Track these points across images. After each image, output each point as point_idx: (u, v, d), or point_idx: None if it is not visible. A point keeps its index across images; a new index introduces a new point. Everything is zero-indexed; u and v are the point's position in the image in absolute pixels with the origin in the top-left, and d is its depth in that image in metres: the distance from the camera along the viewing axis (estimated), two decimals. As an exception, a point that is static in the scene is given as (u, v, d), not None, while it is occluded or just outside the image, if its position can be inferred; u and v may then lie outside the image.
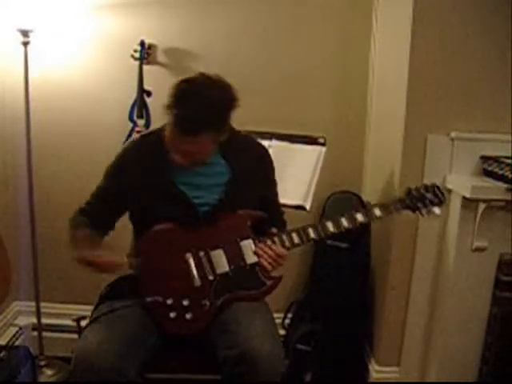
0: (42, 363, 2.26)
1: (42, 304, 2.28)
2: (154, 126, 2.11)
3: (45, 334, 2.29)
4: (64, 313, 2.38)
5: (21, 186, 2.21)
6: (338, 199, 2.36)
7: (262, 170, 1.69)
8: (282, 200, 1.80)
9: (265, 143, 1.83)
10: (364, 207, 1.71)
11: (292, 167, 2.04)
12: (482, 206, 1.86)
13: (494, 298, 1.98)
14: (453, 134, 1.96)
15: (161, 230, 1.55)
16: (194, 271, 1.53)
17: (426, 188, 1.68)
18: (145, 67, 2.24)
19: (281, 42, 2.34)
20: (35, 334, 2.30)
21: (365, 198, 2.39)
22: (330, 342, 2.19)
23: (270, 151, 1.77)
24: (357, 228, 1.62)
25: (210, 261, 1.55)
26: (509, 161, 1.85)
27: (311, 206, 2.01)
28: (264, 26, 2.33)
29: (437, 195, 1.67)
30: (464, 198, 1.86)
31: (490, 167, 1.92)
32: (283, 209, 1.82)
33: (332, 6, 2.32)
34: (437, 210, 1.66)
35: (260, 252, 1.56)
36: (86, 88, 2.31)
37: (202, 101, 1.43)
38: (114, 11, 2.24)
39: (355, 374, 2.25)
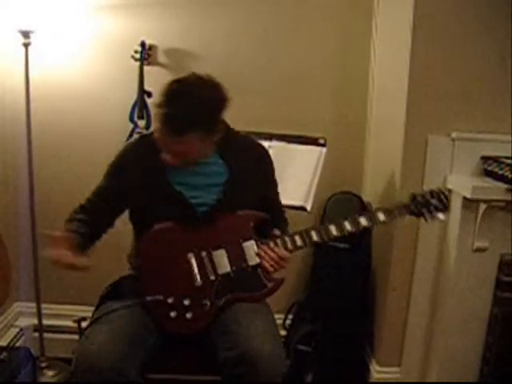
0: (43, 364, 2.27)
1: (43, 305, 2.28)
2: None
3: (46, 335, 2.30)
4: (65, 314, 2.37)
5: (21, 186, 2.22)
6: (339, 200, 2.36)
7: (262, 171, 1.68)
8: (283, 201, 1.79)
9: (265, 144, 1.83)
10: (367, 211, 1.70)
11: (292, 168, 2.04)
12: (482, 207, 1.86)
13: (494, 299, 1.98)
14: (453, 135, 1.96)
15: (163, 228, 1.56)
16: (196, 271, 1.53)
17: (432, 194, 1.65)
18: (145, 68, 2.24)
19: (281, 42, 2.34)
20: (36, 335, 2.31)
21: (365, 198, 2.39)
22: (330, 342, 2.19)
23: (271, 152, 1.76)
24: (358, 229, 1.61)
25: (211, 261, 1.55)
26: (509, 161, 1.85)
27: (312, 207, 2.01)
28: (264, 26, 2.33)
29: (442, 201, 1.65)
30: (465, 198, 1.86)
31: (490, 167, 1.92)
32: (284, 209, 1.82)
33: (332, 6, 2.32)
34: (441, 215, 1.64)
35: (262, 254, 1.56)
36: (87, 89, 2.32)
37: (188, 101, 1.44)
38: (115, 12, 2.25)
39: (356, 374, 2.25)
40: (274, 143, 2.07)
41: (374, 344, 2.27)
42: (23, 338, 2.35)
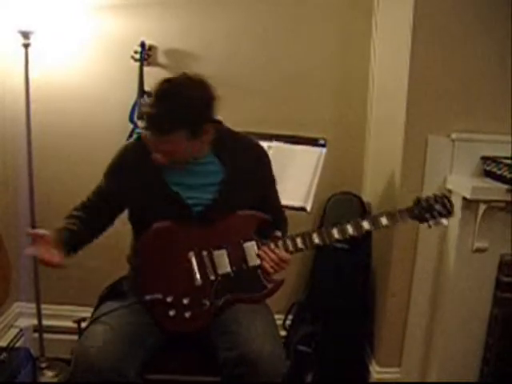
0: (43, 365, 2.27)
1: (43, 305, 2.28)
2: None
3: (45, 335, 2.30)
4: (65, 314, 2.37)
5: (21, 186, 2.22)
6: (339, 200, 2.36)
7: (259, 170, 1.67)
8: (283, 201, 1.79)
9: (265, 144, 1.83)
10: (370, 215, 1.68)
11: (292, 168, 2.04)
12: (482, 207, 1.86)
13: (494, 299, 1.97)
14: (453, 135, 1.95)
15: (163, 227, 1.55)
16: (196, 270, 1.53)
17: (436, 199, 1.63)
18: (145, 68, 2.24)
19: (281, 42, 2.34)
20: (36, 335, 2.31)
21: (365, 198, 2.38)
22: (330, 342, 2.19)
23: (271, 152, 1.76)
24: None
25: (212, 260, 1.55)
26: (508, 161, 1.85)
27: (312, 208, 2.01)
28: (264, 26, 2.33)
29: (445, 206, 1.62)
30: (464, 198, 1.86)
31: (489, 167, 1.92)
32: (283, 209, 1.81)
33: (332, 6, 2.32)
34: (445, 221, 1.62)
35: (263, 255, 1.55)
36: (87, 89, 2.32)
37: (173, 100, 1.44)
38: (114, 12, 2.24)
39: (356, 374, 2.25)
40: (274, 144, 2.07)
41: (374, 344, 2.27)
42: (23, 338, 2.35)
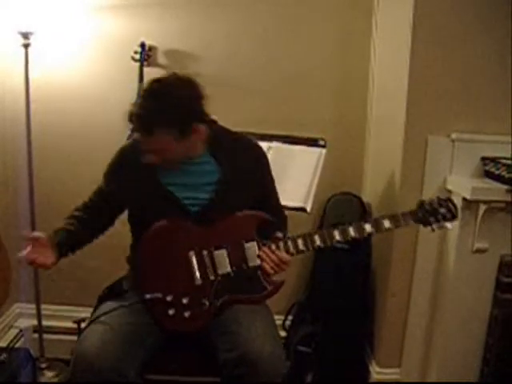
0: (43, 365, 2.27)
1: (43, 306, 2.28)
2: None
3: (45, 336, 2.30)
4: (65, 315, 2.38)
5: (21, 187, 2.22)
6: (339, 201, 2.36)
7: (257, 170, 1.66)
8: (283, 202, 1.79)
9: (265, 145, 1.83)
10: (373, 218, 1.65)
11: (292, 169, 2.04)
12: (482, 208, 1.85)
13: (494, 300, 1.97)
14: (453, 136, 1.95)
15: (164, 226, 1.55)
16: (196, 270, 1.53)
17: (440, 202, 1.61)
18: (145, 69, 2.24)
19: (281, 42, 2.34)
20: (36, 336, 2.31)
21: (365, 199, 2.38)
22: (330, 343, 2.19)
23: (271, 153, 1.77)
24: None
25: (212, 260, 1.55)
26: (508, 161, 1.85)
27: (312, 208, 2.01)
28: (264, 26, 2.32)
29: (450, 210, 1.60)
30: (464, 199, 1.86)
31: (488, 167, 1.92)
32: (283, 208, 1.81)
33: (332, 5, 2.32)
34: (449, 225, 1.60)
35: (263, 256, 1.55)
36: (87, 89, 2.32)
37: (158, 100, 1.44)
38: (114, 13, 2.24)
39: (356, 375, 2.25)
40: (275, 144, 2.07)
41: (374, 345, 2.27)
42: (23, 338, 2.35)
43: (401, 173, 2.01)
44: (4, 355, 1.97)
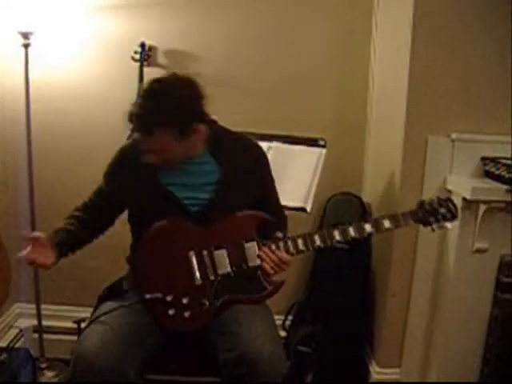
0: (43, 365, 2.27)
1: (43, 306, 2.29)
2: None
3: (45, 336, 2.30)
4: (65, 315, 2.38)
5: (21, 187, 2.22)
6: (339, 201, 2.36)
7: (256, 170, 1.66)
8: (283, 202, 1.79)
9: (265, 145, 1.83)
10: (373, 218, 1.64)
11: (292, 169, 2.04)
12: (482, 208, 1.85)
13: (494, 300, 1.97)
14: (453, 136, 1.95)
15: (164, 226, 1.55)
16: (196, 270, 1.53)
17: (440, 202, 1.61)
18: (145, 69, 2.24)
19: (281, 42, 2.34)
20: (36, 336, 2.31)
21: (365, 199, 2.38)
22: (330, 343, 2.19)
23: (271, 153, 1.77)
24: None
25: (212, 260, 1.54)
26: (508, 161, 1.85)
27: (311, 208, 2.01)
28: (264, 26, 2.33)
29: (450, 210, 1.60)
30: (464, 199, 1.86)
31: (487, 167, 1.92)
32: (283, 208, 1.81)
33: (332, 5, 2.32)
34: (449, 225, 1.60)
35: (263, 256, 1.55)
36: (87, 89, 2.32)
37: (157, 99, 1.44)
38: (114, 13, 2.24)
39: (356, 375, 2.24)
40: (275, 144, 2.07)
41: (374, 345, 2.27)
42: (23, 338, 2.35)
43: (401, 173, 2.01)
44: (4, 355, 1.97)
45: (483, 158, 1.95)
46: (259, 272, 1.56)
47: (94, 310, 1.60)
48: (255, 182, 1.64)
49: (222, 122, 1.66)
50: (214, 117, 1.58)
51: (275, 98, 2.36)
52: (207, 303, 1.53)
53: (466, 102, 1.95)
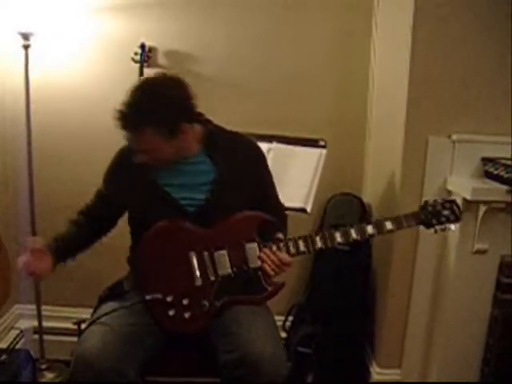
0: (43, 366, 2.27)
1: (43, 307, 2.29)
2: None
3: (45, 337, 2.30)
4: (65, 316, 2.38)
5: (21, 187, 2.22)
6: (339, 201, 2.35)
7: (254, 169, 1.65)
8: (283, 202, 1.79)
9: (265, 146, 1.82)
10: (374, 219, 1.65)
11: (293, 170, 2.03)
12: (482, 208, 1.85)
13: (494, 300, 1.97)
14: (454, 136, 1.95)
15: (165, 227, 1.55)
16: (197, 271, 1.53)
17: (443, 204, 1.60)
18: (145, 70, 2.24)
19: (281, 42, 2.34)
20: (36, 337, 2.31)
21: (366, 199, 2.38)
22: (331, 344, 2.18)
23: (271, 154, 1.76)
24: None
25: (212, 261, 1.54)
26: (508, 162, 1.85)
27: (312, 209, 2.01)
28: (264, 26, 2.32)
29: (454, 212, 1.59)
30: (465, 199, 1.86)
31: (486, 167, 1.92)
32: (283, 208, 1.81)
33: (332, 6, 2.32)
34: (452, 226, 1.60)
35: (264, 257, 1.54)
36: (87, 90, 2.32)
37: (143, 98, 1.44)
38: (114, 14, 2.24)
39: (356, 375, 2.24)
40: (275, 145, 2.07)
41: (375, 345, 2.26)
42: (23, 340, 2.35)
43: (401, 173, 2.00)
44: (4, 356, 1.98)
45: (483, 159, 1.95)
46: (260, 273, 1.56)
47: (94, 311, 1.60)
48: (253, 181, 1.63)
49: (221, 122, 1.66)
50: (207, 116, 1.58)
51: (275, 98, 2.36)
52: (207, 304, 1.52)
53: (465, 102, 1.95)
